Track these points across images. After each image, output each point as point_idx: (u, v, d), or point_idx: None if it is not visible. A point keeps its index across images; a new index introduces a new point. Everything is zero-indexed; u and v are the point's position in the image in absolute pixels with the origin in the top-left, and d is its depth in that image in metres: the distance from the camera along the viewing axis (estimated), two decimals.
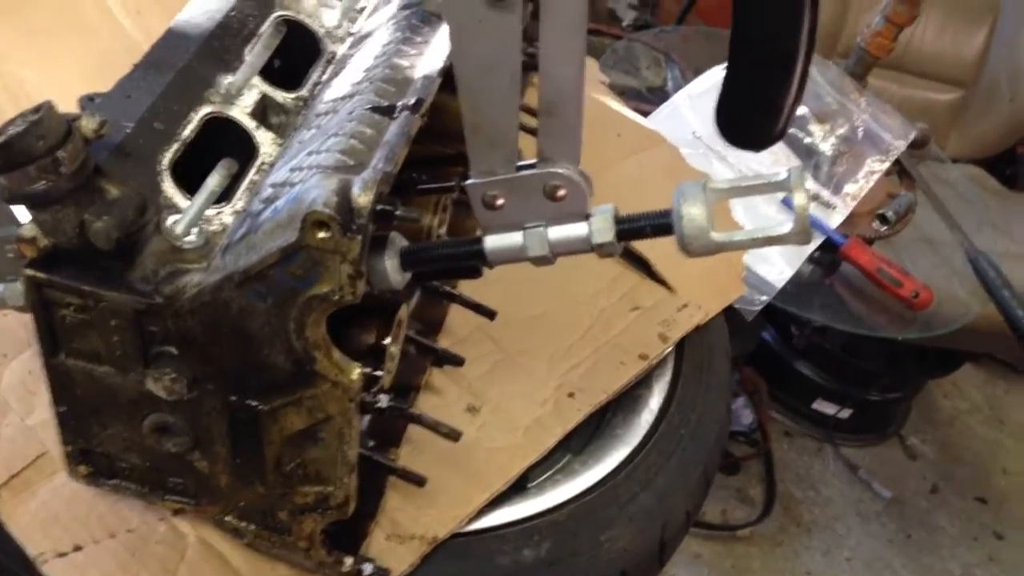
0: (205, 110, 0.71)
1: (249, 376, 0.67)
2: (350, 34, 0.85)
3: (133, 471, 0.76)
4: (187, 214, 0.66)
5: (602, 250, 0.66)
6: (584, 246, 0.66)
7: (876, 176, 1.75)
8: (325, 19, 0.84)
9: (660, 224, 0.65)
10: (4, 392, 0.84)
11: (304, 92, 0.78)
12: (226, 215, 0.68)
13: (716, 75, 1.83)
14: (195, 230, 0.66)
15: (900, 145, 1.76)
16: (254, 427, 0.70)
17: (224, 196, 0.69)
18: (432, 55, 0.74)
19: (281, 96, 0.77)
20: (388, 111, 0.69)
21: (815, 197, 1.76)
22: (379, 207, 0.60)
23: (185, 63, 0.72)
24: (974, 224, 1.98)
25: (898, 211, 1.77)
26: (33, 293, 0.66)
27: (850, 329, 1.79)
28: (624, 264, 1.19)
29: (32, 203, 0.61)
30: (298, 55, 0.81)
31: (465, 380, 1.00)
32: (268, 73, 0.78)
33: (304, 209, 0.59)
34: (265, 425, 0.69)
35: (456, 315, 1.05)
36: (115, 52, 1.06)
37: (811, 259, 1.72)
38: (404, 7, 0.80)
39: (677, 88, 2.54)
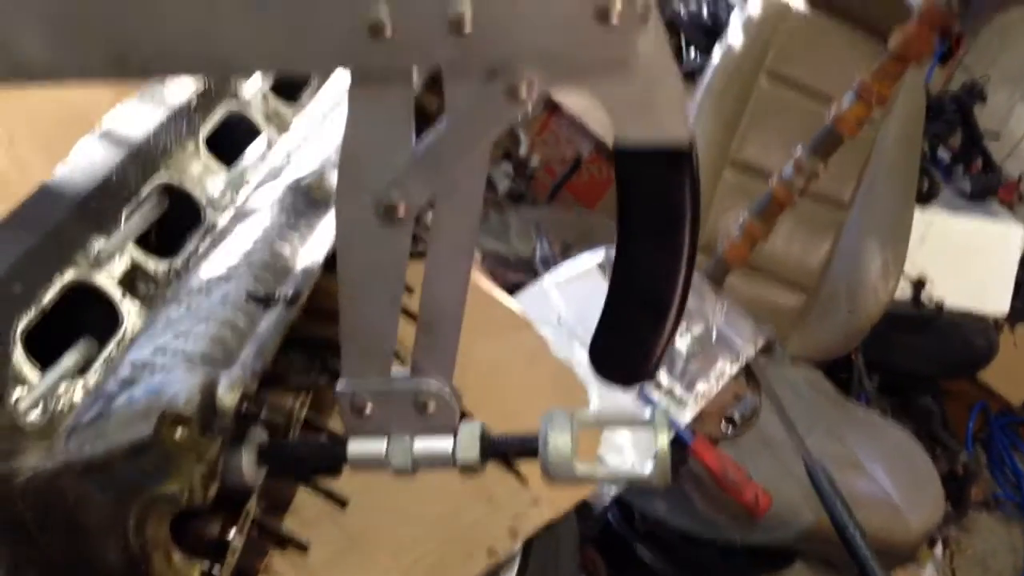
0: (70, 275, 0.68)
1: (76, 571, 0.62)
2: (233, 204, 0.84)
3: None
4: (34, 391, 0.62)
5: (465, 467, 0.66)
6: (447, 462, 0.66)
7: (726, 377, 1.82)
8: (209, 187, 0.83)
9: (525, 448, 0.65)
10: None
11: (178, 262, 0.76)
12: (77, 392, 0.64)
13: (584, 262, 1.89)
14: (41, 407, 0.62)
15: (750, 350, 1.84)
16: None
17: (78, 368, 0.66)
18: (315, 244, 0.74)
19: (153, 264, 0.74)
20: (264, 301, 0.67)
21: (668, 392, 1.81)
22: (243, 408, 0.58)
23: (55, 224, 0.70)
24: (810, 426, 2.07)
25: (744, 414, 1.84)
26: None
27: (693, 529, 1.82)
28: None
29: None
30: (176, 222, 0.79)
31: (307, 567, 0.96)
32: (142, 238, 0.76)
33: (163, 403, 0.56)
34: None
35: (304, 494, 1.01)
36: None
37: None
38: (291, 189, 0.80)
39: (544, 259, 2.62)
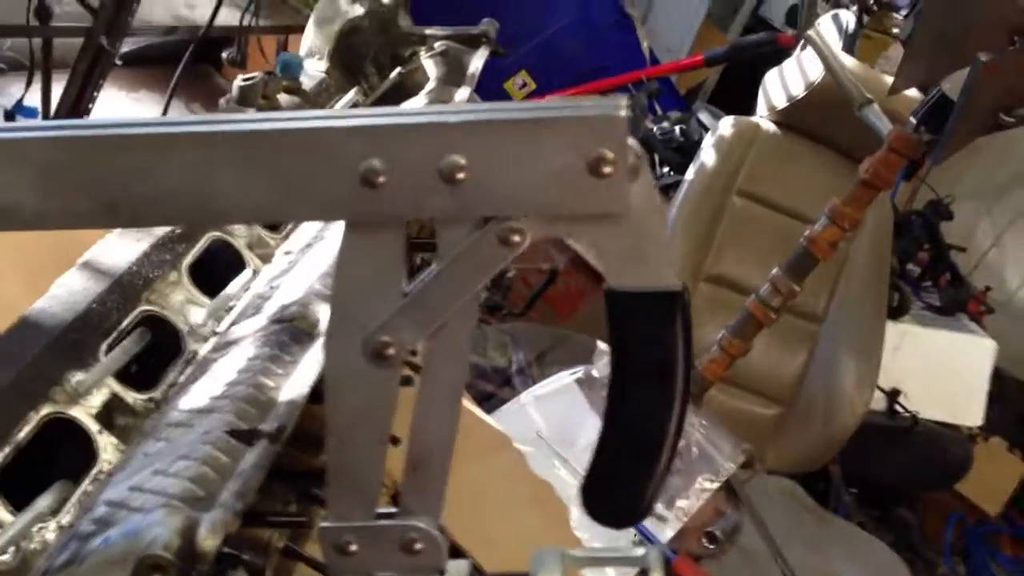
0: (46, 410, 0.67)
1: None
2: (215, 333, 0.83)
3: None
4: (5, 533, 0.60)
5: None
6: None
7: (707, 494, 1.81)
8: (191, 315, 0.82)
9: None
10: None
11: (157, 394, 0.75)
12: (50, 531, 0.63)
13: (562, 378, 1.89)
14: (12, 549, 0.60)
15: (730, 467, 1.83)
16: None
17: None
18: (299, 378, 0.73)
19: (132, 397, 0.73)
20: (246, 436, 0.66)
21: None
22: (225, 551, 0.57)
23: (32, 358, 0.69)
24: (790, 540, 2.05)
25: (726, 530, 1.82)
26: None
27: None
28: None
29: None
30: (157, 351, 0.79)
31: None
32: (121, 369, 0.75)
33: (141, 549, 0.55)
34: None
35: None
36: None
37: (641, 572, 1.72)
38: (275, 321, 0.80)
39: (520, 369, 2.61)
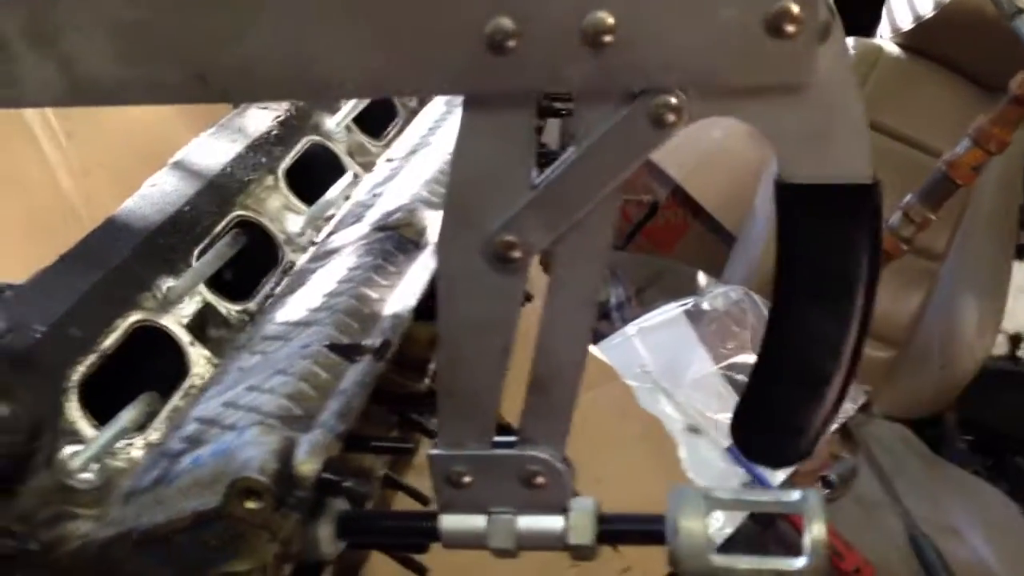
0: (135, 317, 0.61)
1: None
2: (313, 243, 0.77)
3: None
4: (88, 449, 0.54)
5: (577, 552, 0.57)
6: (557, 544, 0.57)
7: (823, 437, 1.70)
8: (288, 224, 0.76)
9: (650, 531, 0.56)
10: None
11: (252, 305, 0.69)
12: (136, 448, 0.57)
13: (668, 311, 1.79)
14: (95, 466, 0.55)
15: (850, 408, 1.73)
16: None
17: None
18: (405, 290, 0.66)
19: (226, 308, 0.67)
20: (348, 352, 0.60)
21: None
22: (324, 476, 0.50)
23: (121, 260, 0.63)
24: (904, 488, 1.94)
25: (841, 475, 1.72)
26: None
27: None
28: None
29: None
30: (251, 261, 0.73)
31: None
32: (214, 278, 0.69)
33: (234, 471, 0.49)
34: None
35: (378, 560, 0.93)
36: (51, 213, 0.96)
37: (751, 515, 1.64)
38: (377, 228, 0.72)
39: (619, 304, 2.53)
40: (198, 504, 0.49)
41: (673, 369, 1.67)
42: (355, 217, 0.77)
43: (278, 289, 0.72)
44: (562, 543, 0.56)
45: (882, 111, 2.56)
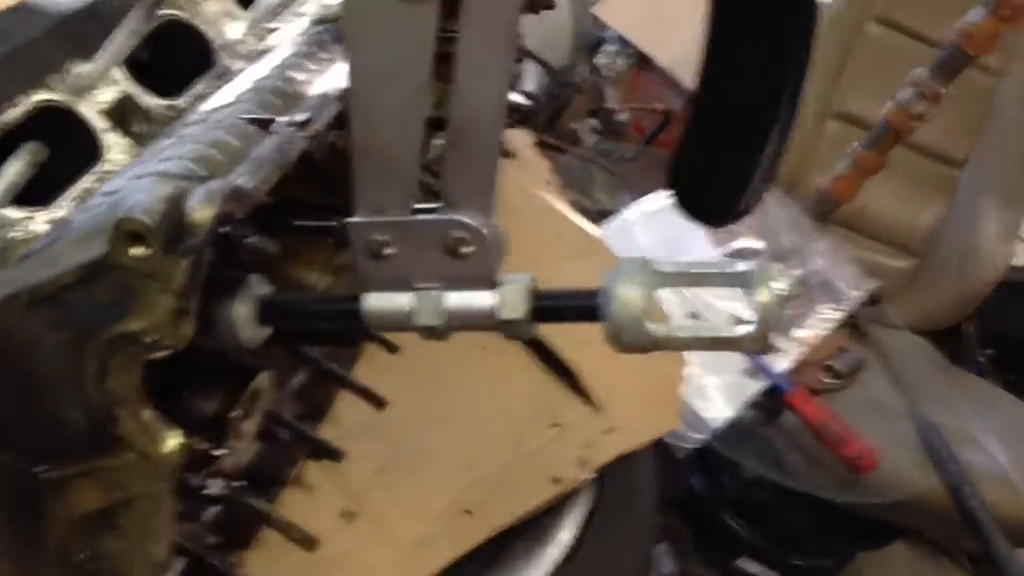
0: (40, 96, 0.57)
1: (34, 432, 0.52)
2: (254, 52, 0.72)
3: None
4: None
5: (510, 329, 0.53)
6: (487, 321, 0.53)
7: (828, 325, 1.66)
8: (227, 31, 0.71)
9: (585, 306, 0.52)
10: None
11: (180, 102, 0.65)
12: (39, 222, 0.53)
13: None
14: None
15: (855, 296, 1.67)
16: (36, 500, 0.53)
17: (43, 200, 0.55)
18: (337, 74, 0.62)
19: (148, 100, 0.63)
20: (266, 124, 0.55)
21: None
22: (223, 230, 0.46)
23: (27, 40, 0.59)
24: (920, 395, 1.89)
25: (848, 365, 1.67)
26: None
27: (786, 483, 1.66)
28: (547, 372, 1.05)
29: None
30: (183, 66, 0.68)
31: (345, 480, 0.84)
32: (142, 77, 0.65)
33: (116, 216, 0.45)
34: (49, 499, 0.53)
35: (346, 404, 0.90)
36: None
37: (752, 403, 1.60)
38: (316, 22, 0.68)
39: None
40: (84, 256, 0.46)
41: (673, 255, 1.62)
42: (295, 16, 0.72)
43: (211, 91, 0.67)
44: (493, 320, 0.52)
45: (903, 8, 2.46)
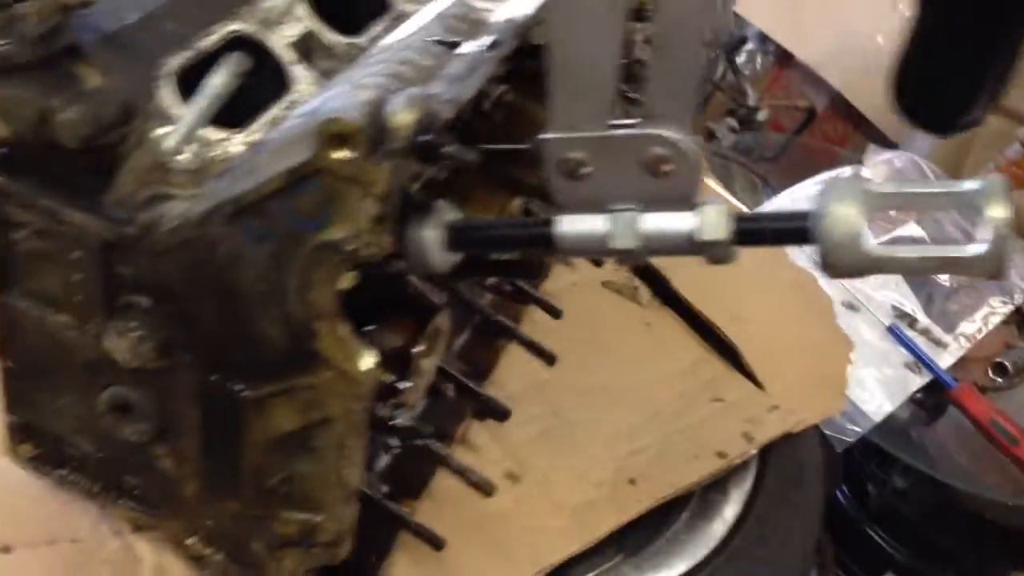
0: (233, 26, 0.58)
1: (234, 349, 0.52)
2: None
3: (84, 461, 0.61)
4: (181, 124, 0.51)
5: (711, 252, 0.50)
6: (686, 244, 0.50)
7: (996, 319, 1.57)
8: None
9: (792, 228, 0.49)
10: None
11: (362, 40, 0.65)
12: (235, 144, 0.54)
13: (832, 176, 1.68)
14: (191, 148, 0.52)
15: None
16: (234, 420, 0.54)
17: (237, 125, 0.55)
18: (518, 3, 0.60)
19: (331, 37, 0.63)
20: (454, 46, 0.55)
21: (925, 332, 1.57)
22: (423, 139, 0.45)
23: None
24: None
25: (1017, 363, 1.57)
26: None
27: (952, 484, 1.57)
28: (708, 349, 1.02)
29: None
30: (360, 10, 0.68)
31: (509, 441, 0.83)
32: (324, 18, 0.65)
33: (320, 120, 0.44)
34: (247, 419, 0.54)
35: (509, 366, 0.89)
36: None
37: (913, 399, 1.53)
38: None
39: None
40: (286, 164, 0.45)
41: None
42: None
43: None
44: (692, 243, 0.50)
45: None
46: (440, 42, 0.55)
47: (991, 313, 1.58)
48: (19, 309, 0.56)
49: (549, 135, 0.49)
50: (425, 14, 0.61)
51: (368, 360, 0.50)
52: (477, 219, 0.55)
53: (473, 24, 0.58)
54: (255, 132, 0.55)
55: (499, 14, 0.59)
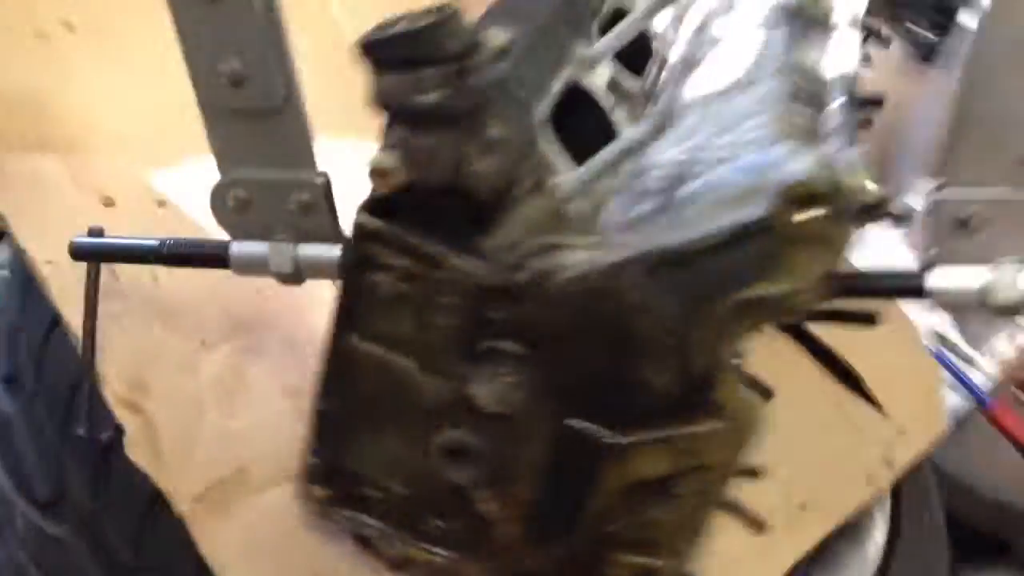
0: (567, 73, 0.58)
1: (609, 397, 0.52)
2: (679, 38, 0.72)
3: (383, 504, 0.59)
4: (580, 172, 0.51)
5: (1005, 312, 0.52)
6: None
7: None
8: (655, 22, 0.72)
9: None
10: (202, 387, 0.67)
11: (646, 84, 0.65)
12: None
13: None
14: (584, 194, 0.51)
15: None
16: (589, 466, 0.54)
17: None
18: (839, 60, 0.61)
19: (630, 81, 0.63)
20: (816, 103, 0.55)
21: (953, 349, 1.63)
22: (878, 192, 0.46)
23: (544, 20, 0.59)
24: None
25: None
26: (354, 248, 0.52)
27: (996, 496, 1.63)
28: (826, 373, 1.05)
29: (414, 119, 0.47)
30: (634, 53, 0.68)
31: None
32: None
33: (776, 180, 0.45)
34: (604, 465, 0.53)
35: None
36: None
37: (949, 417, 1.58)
38: (777, 9, 0.67)
39: None
40: (735, 218, 0.46)
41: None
42: (727, 6, 0.72)
43: (661, 77, 0.67)
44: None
45: None
46: (798, 98, 0.55)
47: (1020, 331, 1.64)
48: (359, 351, 0.54)
49: (942, 193, 0.51)
50: (728, 63, 0.62)
51: (758, 408, 0.50)
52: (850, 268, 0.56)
53: (808, 78, 0.58)
54: (611, 177, 0.55)
55: (830, 71, 0.60)
